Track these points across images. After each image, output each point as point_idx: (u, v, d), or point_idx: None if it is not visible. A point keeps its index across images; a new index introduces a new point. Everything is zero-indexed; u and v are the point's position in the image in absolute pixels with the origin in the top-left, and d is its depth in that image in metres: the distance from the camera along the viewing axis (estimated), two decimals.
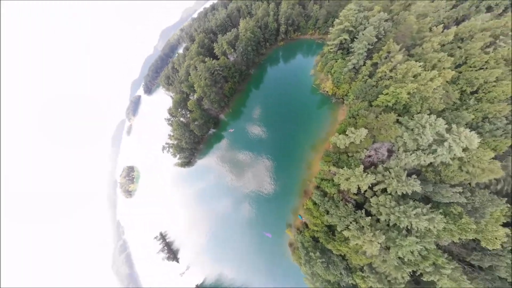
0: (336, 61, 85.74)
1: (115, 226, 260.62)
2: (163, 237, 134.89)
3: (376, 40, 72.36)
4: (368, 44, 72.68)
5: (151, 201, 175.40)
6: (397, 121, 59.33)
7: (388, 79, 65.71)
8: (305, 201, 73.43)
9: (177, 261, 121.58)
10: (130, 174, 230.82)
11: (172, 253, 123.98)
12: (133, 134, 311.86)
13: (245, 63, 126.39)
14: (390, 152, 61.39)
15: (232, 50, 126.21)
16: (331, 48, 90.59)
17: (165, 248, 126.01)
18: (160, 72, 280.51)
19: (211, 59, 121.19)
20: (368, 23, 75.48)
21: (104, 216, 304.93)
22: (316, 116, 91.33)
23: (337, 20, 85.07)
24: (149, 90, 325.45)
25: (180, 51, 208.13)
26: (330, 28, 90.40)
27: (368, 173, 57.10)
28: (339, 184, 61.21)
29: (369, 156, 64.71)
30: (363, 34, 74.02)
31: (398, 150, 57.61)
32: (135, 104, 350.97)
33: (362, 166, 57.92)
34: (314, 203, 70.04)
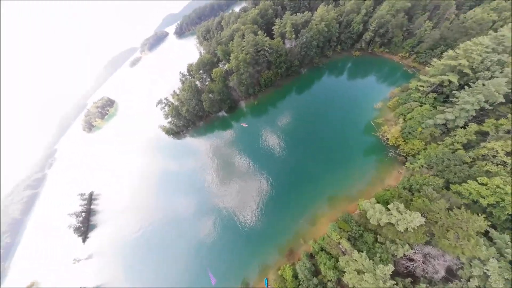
0: (421, 106, 75.03)
1: (47, 154, 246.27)
2: (90, 199, 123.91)
3: (503, 101, 57.06)
4: (486, 101, 58.10)
5: (106, 150, 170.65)
6: (486, 233, 44.07)
7: (497, 165, 50.16)
8: (284, 265, 61.36)
9: (83, 241, 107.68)
10: (106, 108, 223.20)
11: (86, 226, 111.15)
12: (137, 68, 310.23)
13: (301, 58, 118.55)
14: (451, 274, 44.59)
15: (294, 36, 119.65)
16: (422, 85, 78.14)
17: (83, 214, 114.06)
18: (204, 20, 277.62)
19: (265, 34, 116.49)
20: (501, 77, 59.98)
21: (45, 133, 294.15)
22: (355, 162, 77.22)
23: (450, 52, 72.29)
24: (181, 33, 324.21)
25: (236, 9, 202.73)
26: (434, 59, 78.19)
27: (397, 284, 43.62)
28: (344, 272, 49.25)
29: (411, 260, 48.83)
30: (483, 85, 59.57)
31: (469, 281, 40.45)
32: (158, 39, 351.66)
33: (392, 267, 43.66)
34: (295, 276, 57.46)
